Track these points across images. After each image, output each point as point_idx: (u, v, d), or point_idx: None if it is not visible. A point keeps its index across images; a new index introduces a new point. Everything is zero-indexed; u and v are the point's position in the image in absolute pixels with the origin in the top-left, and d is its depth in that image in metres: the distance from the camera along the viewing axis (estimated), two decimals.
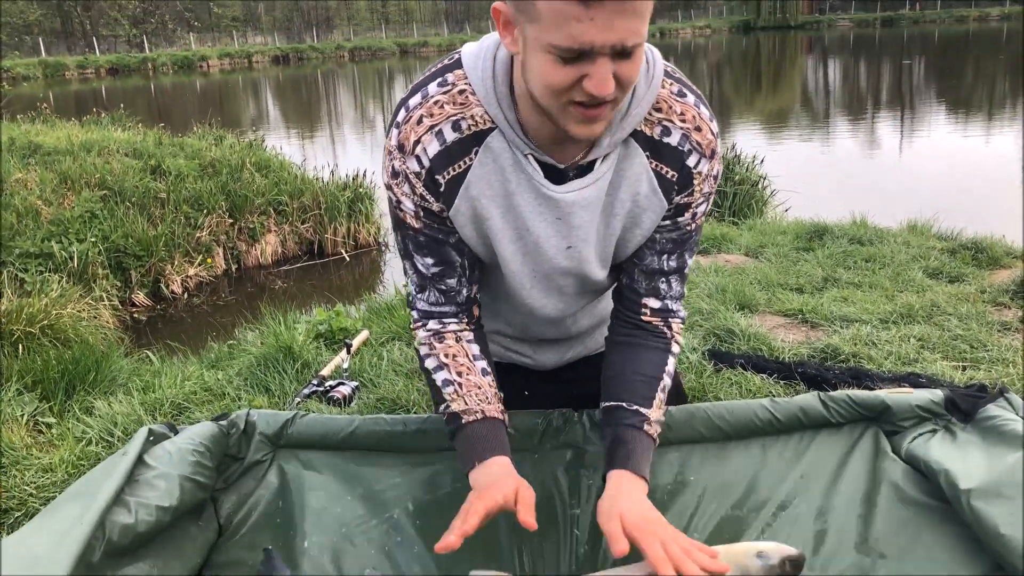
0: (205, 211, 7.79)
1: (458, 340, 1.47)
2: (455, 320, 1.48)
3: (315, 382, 2.92)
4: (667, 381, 1.48)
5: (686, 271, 1.49)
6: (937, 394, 1.69)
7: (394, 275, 7.30)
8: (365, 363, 3.16)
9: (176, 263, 7.29)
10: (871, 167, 12.30)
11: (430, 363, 1.46)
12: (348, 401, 2.82)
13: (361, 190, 8.82)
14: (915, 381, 2.78)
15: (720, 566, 1.22)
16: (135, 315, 6.70)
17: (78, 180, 7.69)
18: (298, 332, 3.44)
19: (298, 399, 2.80)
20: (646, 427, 1.42)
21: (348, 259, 8.31)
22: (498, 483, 1.32)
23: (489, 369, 1.48)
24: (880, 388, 2.68)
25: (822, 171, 11.89)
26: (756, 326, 3.58)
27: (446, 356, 1.45)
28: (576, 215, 1.36)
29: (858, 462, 1.65)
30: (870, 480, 1.61)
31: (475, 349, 1.48)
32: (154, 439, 1.57)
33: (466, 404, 1.43)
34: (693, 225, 1.44)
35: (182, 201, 7.74)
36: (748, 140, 13.29)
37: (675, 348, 1.50)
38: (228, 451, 1.65)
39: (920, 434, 1.65)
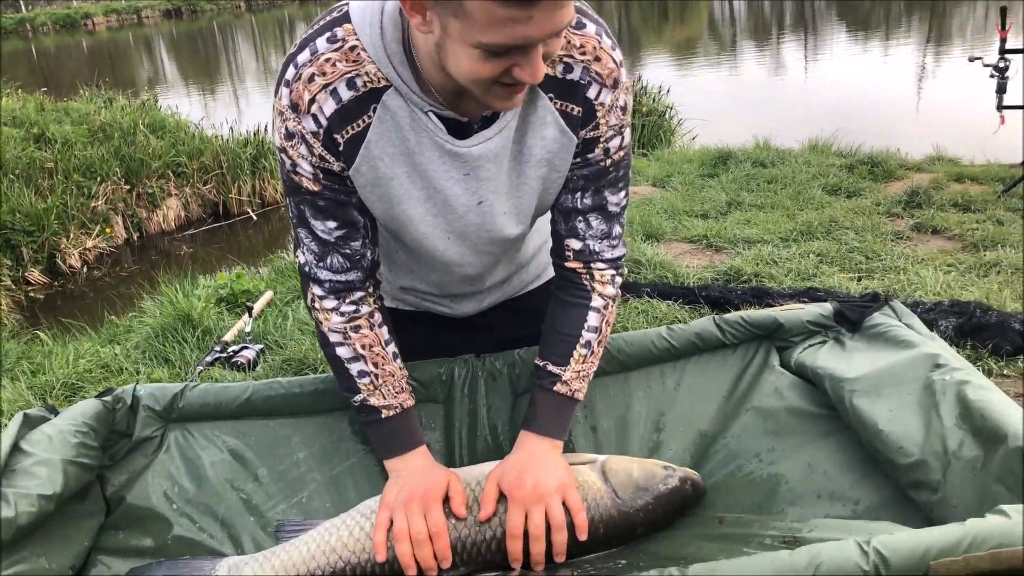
0: (98, 179, 7.44)
1: (372, 327, 1.43)
2: (362, 293, 1.43)
3: (217, 348, 2.84)
4: (589, 336, 1.46)
5: (610, 209, 1.42)
6: (826, 307, 1.73)
7: None
8: (270, 325, 3.09)
9: (72, 236, 6.97)
10: (776, 91, 12.51)
11: (343, 352, 1.42)
12: (253, 365, 2.75)
13: (265, 146, 8.55)
14: (813, 295, 2.86)
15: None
16: (31, 294, 6.40)
17: None
18: (198, 299, 3.33)
19: (200, 368, 2.72)
20: (557, 386, 1.43)
21: (256, 218, 8.08)
22: (433, 484, 1.34)
23: (398, 351, 1.47)
24: (779, 305, 2.75)
25: (729, 98, 12.04)
26: (662, 254, 3.62)
27: (362, 347, 1.42)
28: (484, 168, 1.32)
29: (751, 379, 1.68)
30: (762, 395, 1.65)
31: (386, 333, 1.46)
32: (31, 424, 1.49)
33: (384, 398, 1.43)
34: (607, 161, 1.38)
35: (72, 170, 7.38)
36: (656, 71, 13.32)
37: (597, 301, 1.46)
38: (115, 428, 1.57)
39: (810, 345, 1.68)
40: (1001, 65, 4.64)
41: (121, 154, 7.82)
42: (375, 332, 1.45)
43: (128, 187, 7.68)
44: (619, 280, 1.50)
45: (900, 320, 1.66)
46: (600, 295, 1.46)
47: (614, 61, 1.30)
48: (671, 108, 8.72)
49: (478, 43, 1.06)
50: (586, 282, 1.46)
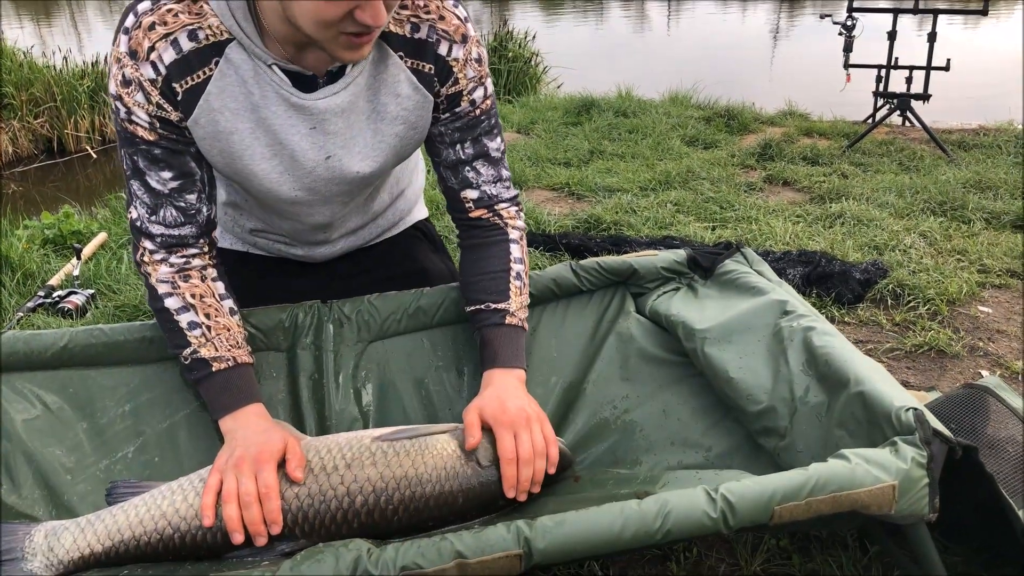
0: None
1: (203, 279, 1.40)
2: (196, 250, 1.39)
3: (41, 294, 2.59)
4: (518, 268, 1.50)
5: (492, 154, 1.48)
6: (680, 253, 1.73)
7: None
8: (103, 269, 2.85)
9: None
10: (640, 44, 12.68)
11: (172, 303, 1.36)
12: (82, 312, 2.53)
13: (105, 79, 7.92)
14: (670, 243, 2.89)
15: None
16: None
17: None
18: (18, 239, 3.03)
19: (20, 314, 2.47)
20: (507, 319, 1.45)
21: (95, 156, 7.50)
22: (267, 444, 1.25)
23: (236, 308, 1.43)
24: (636, 252, 2.77)
25: (594, 48, 12.12)
26: (525, 201, 3.58)
27: (192, 296, 1.37)
28: (330, 122, 1.34)
29: (607, 326, 1.66)
30: (618, 342, 1.63)
31: (221, 287, 1.42)
32: None
33: (216, 350, 1.36)
34: (476, 111, 1.43)
35: None
36: (523, 19, 13.22)
37: (513, 233, 1.51)
38: None
39: (664, 292, 1.68)
40: (848, 23, 4.82)
41: None
42: (207, 284, 1.40)
43: None
44: (523, 215, 1.56)
45: (751, 267, 1.68)
46: (514, 228, 1.52)
47: (458, 18, 1.36)
48: (536, 55, 8.67)
49: None
50: (496, 221, 1.51)
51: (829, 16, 5.04)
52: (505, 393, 1.35)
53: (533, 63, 8.56)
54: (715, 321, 1.51)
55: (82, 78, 7.80)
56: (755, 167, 4.34)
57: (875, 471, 1.06)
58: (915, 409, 1.12)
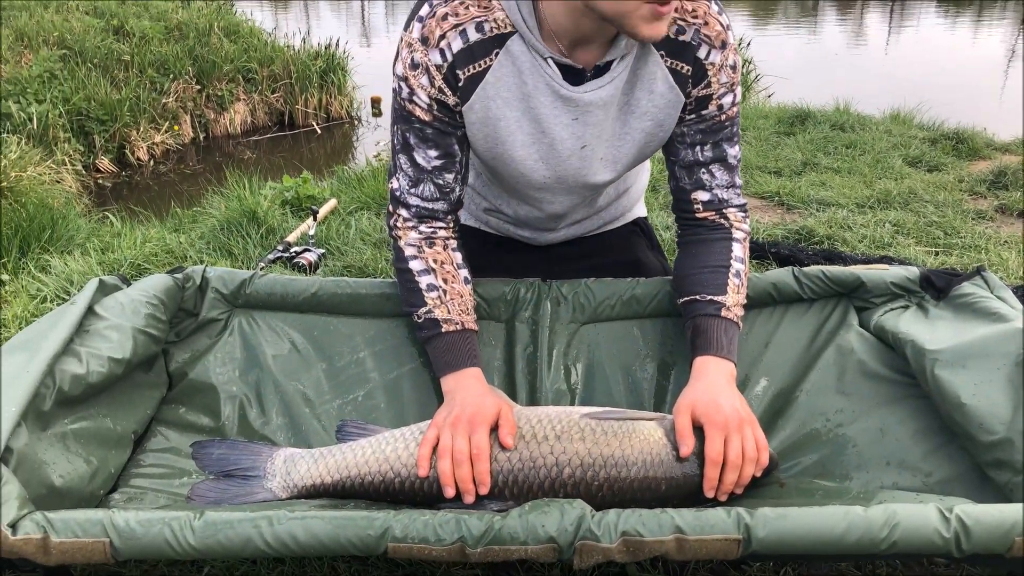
0: (171, 76, 7.48)
1: (445, 248, 1.49)
2: (443, 224, 1.50)
3: (280, 248, 2.85)
4: (738, 266, 1.51)
5: (729, 160, 1.51)
6: (912, 271, 1.65)
7: (365, 149, 7.12)
8: (332, 231, 3.08)
9: (142, 129, 7.04)
10: (858, 58, 12.08)
11: (416, 265, 1.47)
12: (314, 268, 2.76)
13: (335, 60, 8.50)
14: (889, 263, 2.76)
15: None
16: (99, 181, 6.50)
17: (35, 38, 7.31)
18: (264, 197, 3.33)
19: (262, 264, 2.73)
20: (723, 312, 1.45)
21: (320, 131, 8.08)
22: (482, 408, 1.32)
23: (470, 278, 1.52)
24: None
25: (808, 60, 11.67)
26: None
27: (434, 261, 1.47)
28: (593, 114, 1.40)
29: (827, 337, 1.62)
30: (837, 354, 1.59)
31: (459, 258, 1.51)
32: (105, 291, 1.50)
33: (448, 313, 1.45)
34: (722, 116, 1.46)
35: (147, 64, 7.42)
36: (736, 27, 12.95)
37: (738, 234, 1.53)
38: (183, 305, 1.58)
39: (891, 309, 1.62)
40: None
41: (194, 54, 7.84)
42: (448, 252, 1.50)
43: (199, 87, 7.71)
44: (749, 222, 1.58)
45: (992, 292, 1.59)
46: (739, 229, 1.54)
47: (721, 24, 1.40)
48: (749, 62, 8.45)
49: None
50: (723, 222, 1.53)
51: None
52: (717, 390, 1.35)
53: (745, 70, 8.36)
54: (949, 343, 1.44)
55: (315, 59, 8.41)
56: (986, 195, 4.04)
57: None
58: None
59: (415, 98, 1.38)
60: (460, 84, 1.37)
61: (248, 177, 3.74)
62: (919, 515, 1.00)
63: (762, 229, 3.32)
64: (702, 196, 1.52)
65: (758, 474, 1.31)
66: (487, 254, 1.76)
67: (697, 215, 1.53)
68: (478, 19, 1.33)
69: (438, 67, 1.35)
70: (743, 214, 1.55)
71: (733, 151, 1.51)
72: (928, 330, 1.51)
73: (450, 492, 1.26)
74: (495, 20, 1.33)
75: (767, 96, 8.25)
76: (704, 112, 1.46)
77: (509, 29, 1.34)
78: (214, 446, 1.41)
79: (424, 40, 1.34)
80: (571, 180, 1.51)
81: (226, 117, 7.89)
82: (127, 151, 6.93)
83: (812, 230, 3.26)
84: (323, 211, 3.23)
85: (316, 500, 1.32)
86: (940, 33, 14.19)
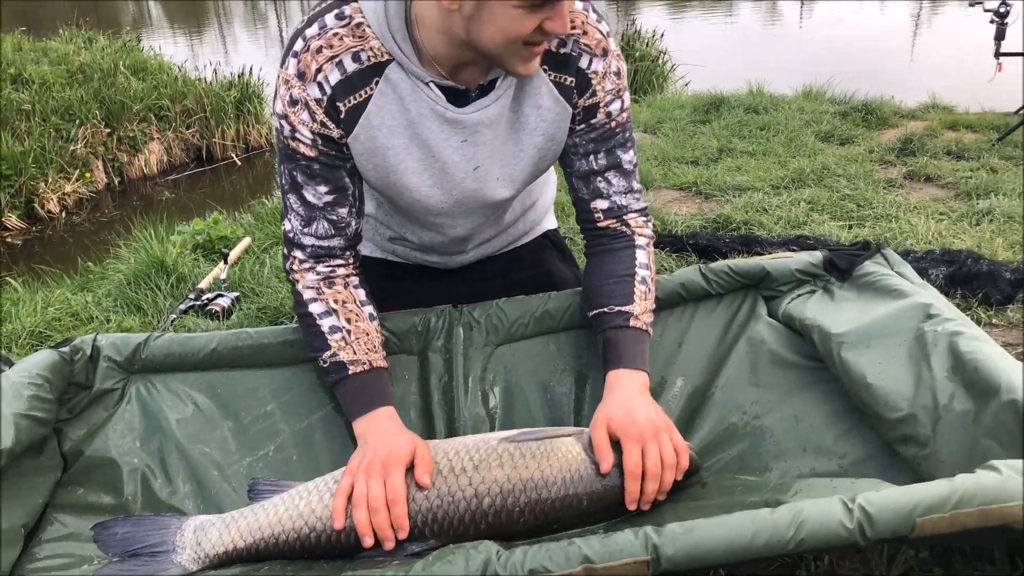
0: (77, 121, 7.28)
1: (346, 286, 1.46)
2: (342, 261, 1.47)
3: (192, 296, 2.76)
4: (643, 273, 1.50)
5: (625, 166, 1.50)
6: (816, 256, 1.67)
7: None
8: (246, 272, 3.01)
9: (50, 180, 6.83)
10: (772, 38, 12.32)
11: (316, 307, 1.43)
12: (228, 313, 2.68)
13: (249, 89, 8.37)
14: (803, 243, 2.80)
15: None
16: (8, 239, 6.27)
17: None
18: (172, 245, 3.24)
19: (173, 316, 2.65)
20: (632, 322, 1.45)
21: (240, 163, 7.94)
22: (396, 449, 1.29)
23: (376, 314, 1.49)
24: (768, 253, 2.69)
25: (723, 44, 11.85)
26: (651, 201, 3.55)
27: (336, 302, 1.44)
28: (482, 134, 1.39)
29: (737, 330, 1.63)
30: (748, 346, 1.59)
31: (362, 295, 1.48)
32: None
33: (354, 353, 1.42)
34: (612, 123, 1.46)
35: (50, 112, 7.20)
36: (651, 17, 13.07)
37: (640, 240, 1.53)
38: (73, 379, 1.51)
39: (798, 296, 1.63)
40: (1002, 10, 4.52)
41: (101, 96, 7.64)
42: (349, 291, 1.47)
43: (108, 130, 7.53)
44: (651, 225, 1.57)
45: (892, 269, 1.61)
46: (641, 235, 1.53)
47: (600, 32, 1.40)
48: (664, 53, 8.56)
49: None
50: (624, 229, 1.52)
51: (980, 3, 4.74)
52: (631, 402, 1.34)
53: (660, 61, 8.45)
54: (853, 325, 1.45)
55: (229, 89, 8.29)
56: (895, 163, 4.14)
57: None
58: None
59: (298, 135, 1.35)
60: (342, 116, 1.34)
61: (155, 224, 3.63)
62: (823, 510, 1.00)
63: (680, 221, 3.34)
64: (601, 204, 1.51)
65: (680, 478, 1.30)
66: (396, 285, 1.73)
67: (599, 224, 1.52)
68: (354, 49, 1.31)
69: (318, 101, 1.32)
70: (644, 219, 1.55)
71: (627, 156, 1.50)
72: (833, 314, 1.52)
73: (368, 541, 1.22)
74: (371, 49, 1.31)
75: (684, 85, 8.36)
76: (593, 121, 1.45)
77: (386, 57, 1.32)
78: (117, 525, 1.34)
79: (301, 75, 1.32)
80: (469, 202, 1.49)
81: (140, 158, 7.71)
82: (36, 205, 6.70)
83: (729, 217, 3.29)
84: (236, 251, 3.16)
85: (228, 570, 1.27)
86: (849, 4, 14.54)
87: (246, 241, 3.29)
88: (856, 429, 1.42)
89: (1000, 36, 4.56)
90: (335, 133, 1.36)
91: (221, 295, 2.74)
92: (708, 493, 1.36)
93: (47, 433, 1.42)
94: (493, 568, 0.99)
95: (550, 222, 1.87)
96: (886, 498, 1.00)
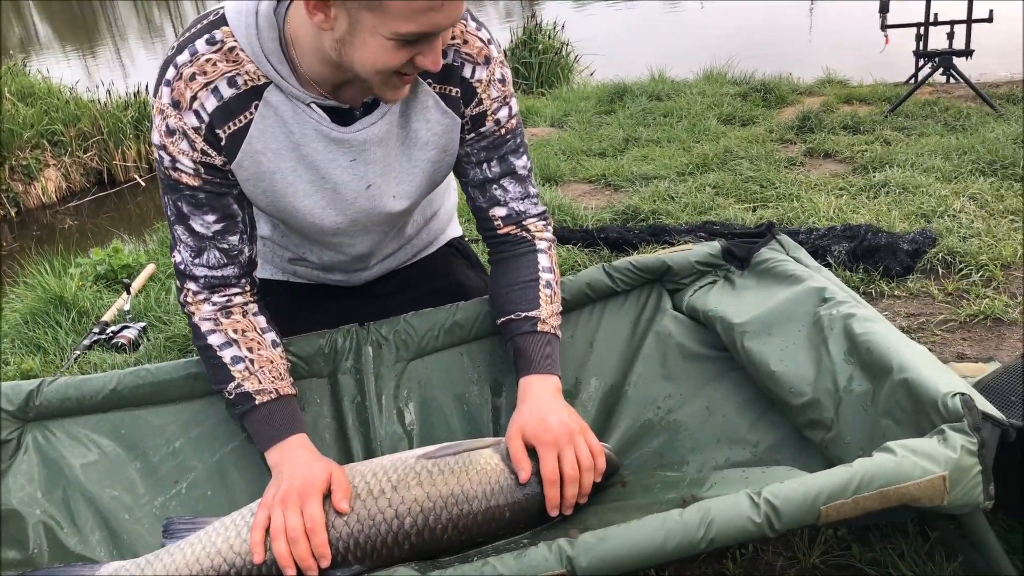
0: None
1: (245, 315, 1.43)
2: (238, 289, 1.43)
3: (96, 330, 2.66)
4: (547, 276, 1.50)
5: (519, 172, 1.50)
6: (714, 246, 1.70)
7: None
8: (152, 300, 2.91)
9: None
10: (675, 21, 12.49)
11: (215, 339, 1.40)
12: (135, 346, 2.59)
13: (147, 107, 8.09)
14: (710, 229, 2.85)
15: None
16: None
17: None
18: (71, 278, 3.11)
19: (77, 352, 2.54)
20: (539, 327, 1.45)
21: (144, 184, 7.68)
22: (310, 477, 1.26)
23: (279, 340, 1.46)
24: (677, 242, 2.74)
25: (626, 32, 11.96)
26: (560, 197, 3.57)
27: (235, 331, 1.40)
28: (371, 152, 1.37)
29: (645, 325, 1.65)
30: (657, 341, 1.61)
31: (262, 321, 1.44)
32: None
33: (260, 383, 1.38)
34: (501, 130, 1.46)
35: None
36: (554, 9, 13.11)
37: (541, 244, 1.53)
38: None
39: (700, 287, 1.66)
40: None
41: None
42: (249, 319, 1.43)
43: None
44: (551, 227, 1.57)
45: (788, 253, 1.65)
46: (541, 239, 1.53)
47: (481, 40, 1.39)
48: (567, 45, 8.60)
49: (394, 33, 1.13)
50: (524, 235, 1.52)
51: None
52: (544, 408, 1.35)
53: (564, 53, 8.49)
54: (754, 313, 1.49)
55: (126, 109, 7.97)
56: (795, 141, 4.25)
57: (923, 463, 1.03)
58: (962, 394, 1.09)
59: (179, 165, 1.31)
60: (223, 143, 1.31)
61: (50, 258, 3.48)
62: (731, 507, 1.02)
63: (591, 215, 3.37)
64: (499, 212, 1.51)
65: (599, 479, 1.31)
66: (300, 307, 1.70)
67: (499, 231, 1.52)
68: (228, 74, 1.27)
69: (196, 129, 1.29)
70: (543, 222, 1.55)
71: (521, 162, 1.50)
72: (735, 303, 1.56)
73: (291, 573, 1.19)
74: (247, 73, 1.28)
75: (590, 75, 8.42)
76: (483, 129, 1.45)
77: (263, 80, 1.28)
78: None
79: (176, 104, 1.28)
80: (365, 221, 1.47)
81: (37, 187, 7.37)
82: None
83: (637, 208, 3.33)
84: (139, 281, 3.05)
85: None
86: None
87: (150, 268, 3.18)
88: (766, 416, 1.45)
89: (884, 8, 4.71)
90: (217, 160, 1.32)
91: (127, 327, 2.65)
92: (629, 492, 1.38)
93: None
94: None
95: (455, 230, 1.86)
96: (790, 489, 1.02)
